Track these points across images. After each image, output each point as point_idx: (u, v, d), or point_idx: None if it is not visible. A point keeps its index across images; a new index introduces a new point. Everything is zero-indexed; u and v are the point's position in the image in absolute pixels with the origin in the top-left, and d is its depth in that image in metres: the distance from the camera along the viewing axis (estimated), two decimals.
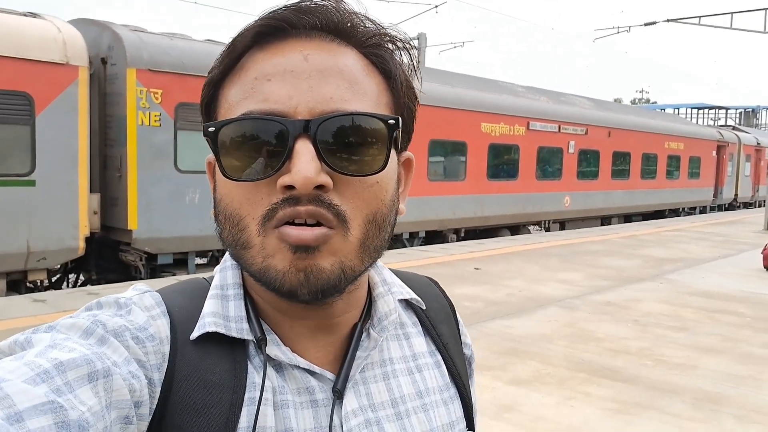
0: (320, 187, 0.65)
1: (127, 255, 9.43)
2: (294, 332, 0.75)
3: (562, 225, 18.70)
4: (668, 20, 21.60)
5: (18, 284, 8.50)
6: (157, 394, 0.66)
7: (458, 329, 0.95)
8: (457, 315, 0.97)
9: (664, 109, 41.91)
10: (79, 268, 9.87)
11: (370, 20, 0.73)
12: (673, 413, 4.66)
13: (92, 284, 9.79)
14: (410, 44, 0.76)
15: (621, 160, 20.30)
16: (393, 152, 0.71)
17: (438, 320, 0.91)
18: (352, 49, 0.72)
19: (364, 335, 0.78)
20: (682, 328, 7.09)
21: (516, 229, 16.96)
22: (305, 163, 0.64)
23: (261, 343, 0.71)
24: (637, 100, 77.64)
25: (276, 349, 0.72)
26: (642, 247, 14.01)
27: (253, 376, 0.71)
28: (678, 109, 48.38)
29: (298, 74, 0.67)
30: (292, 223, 0.66)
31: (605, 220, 20.66)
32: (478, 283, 9.23)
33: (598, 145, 18.98)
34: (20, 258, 8.14)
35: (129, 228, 8.93)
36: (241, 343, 0.72)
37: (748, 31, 20.27)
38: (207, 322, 0.72)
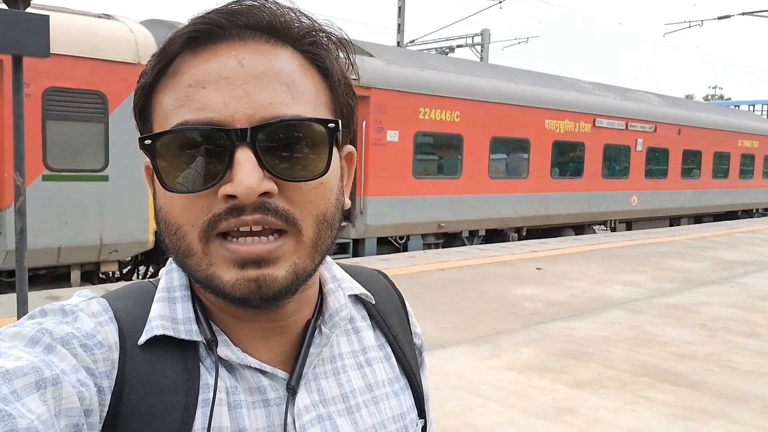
0: (265, 193, 0.64)
1: None
2: (244, 334, 0.74)
3: (629, 225, 18.25)
4: (743, 13, 20.78)
5: (91, 275, 8.89)
6: (108, 402, 0.65)
7: (408, 320, 0.95)
8: (407, 305, 0.97)
9: (739, 106, 40.23)
10: (149, 260, 10.22)
11: (305, 15, 0.72)
12: (742, 422, 4.49)
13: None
14: (346, 40, 0.75)
15: (691, 159, 19.64)
16: (335, 150, 0.70)
17: (387, 313, 0.91)
18: (288, 48, 0.70)
19: (316, 332, 0.78)
20: (752, 334, 6.82)
21: (580, 228, 16.64)
22: (247, 173, 0.63)
23: (212, 344, 0.71)
24: (709, 97, 74.85)
25: (226, 349, 0.72)
26: (712, 249, 13.52)
27: (206, 378, 0.71)
28: (753, 105, 46.40)
29: (233, 80, 0.65)
30: (237, 232, 0.65)
31: (674, 221, 20.04)
32: (539, 284, 9.10)
33: (667, 142, 18.41)
34: (93, 250, 8.50)
35: None
36: (192, 345, 0.72)
37: None
38: (155, 325, 0.71)
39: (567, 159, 15.70)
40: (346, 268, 0.90)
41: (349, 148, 0.79)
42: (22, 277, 4.96)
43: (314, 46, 0.71)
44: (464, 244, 13.43)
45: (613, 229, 17.69)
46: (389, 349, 0.88)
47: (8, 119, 6.95)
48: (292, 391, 0.73)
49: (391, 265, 10.11)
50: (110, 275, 9.43)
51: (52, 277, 8.61)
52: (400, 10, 24.47)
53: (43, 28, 4.79)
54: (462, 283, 8.96)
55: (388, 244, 12.30)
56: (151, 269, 10.58)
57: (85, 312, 0.70)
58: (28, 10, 4.94)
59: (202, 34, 0.67)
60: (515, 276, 9.63)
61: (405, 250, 12.44)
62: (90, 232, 8.40)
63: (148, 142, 0.66)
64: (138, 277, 10.36)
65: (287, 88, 0.67)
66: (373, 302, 0.89)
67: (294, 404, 0.73)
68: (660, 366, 5.65)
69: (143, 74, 0.71)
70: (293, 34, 0.70)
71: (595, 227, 17.51)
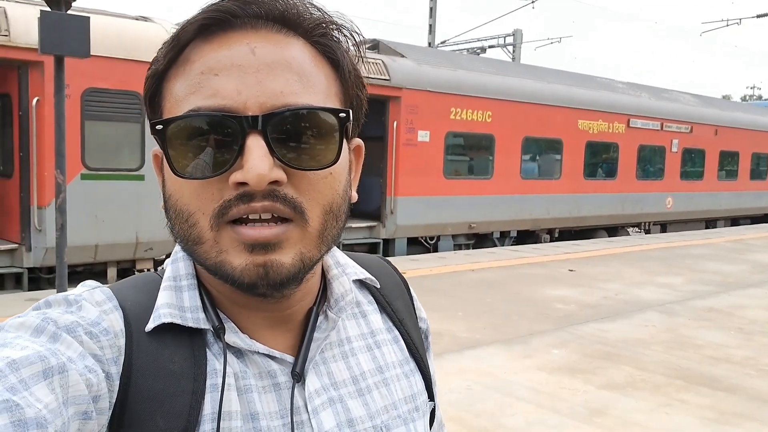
0: (275, 182, 0.65)
1: None
2: (250, 322, 0.75)
3: (664, 227, 17.98)
4: None
5: (127, 273, 9.07)
6: (116, 388, 0.66)
7: (413, 305, 0.95)
8: (411, 291, 0.97)
9: None
10: None
11: (316, 7, 0.72)
12: None
13: None
14: (357, 32, 0.75)
15: (729, 160, 19.29)
16: (344, 142, 0.70)
17: (393, 297, 0.91)
18: (299, 39, 0.70)
19: (321, 317, 0.79)
20: None
21: (614, 230, 16.45)
22: (258, 160, 0.63)
23: (219, 331, 0.71)
24: (747, 97, 73.31)
25: (234, 336, 0.72)
26: (749, 251, 13.26)
27: (214, 363, 0.71)
28: None
29: (245, 68, 0.66)
30: (247, 219, 0.65)
31: (710, 223, 19.68)
32: (572, 285, 9.03)
33: (703, 143, 18.11)
34: (129, 248, 8.68)
35: None
36: (199, 333, 0.72)
37: None
38: (162, 313, 0.71)
39: (600, 160, 15.55)
40: (349, 255, 0.91)
41: (358, 141, 0.79)
42: (62, 272, 5.09)
43: (325, 37, 0.72)
44: (495, 245, 13.37)
45: (648, 231, 17.45)
46: (397, 332, 0.88)
47: (49, 119, 7.13)
48: (297, 376, 0.73)
49: (422, 265, 10.12)
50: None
51: (89, 274, 8.80)
52: (432, 11, 24.45)
53: (83, 30, 4.91)
54: (494, 283, 8.93)
55: (418, 245, 12.31)
56: None
57: (89, 301, 0.70)
58: (69, 12, 5.06)
59: (215, 22, 0.67)
60: (547, 277, 9.56)
61: (435, 250, 12.43)
62: (126, 230, 8.57)
63: (159, 127, 0.66)
64: None
65: (299, 78, 0.67)
66: (378, 286, 0.89)
67: (304, 388, 0.74)
68: (695, 369, 5.57)
69: (154, 61, 0.71)
70: (305, 25, 0.70)
71: (629, 229, 17.29)
